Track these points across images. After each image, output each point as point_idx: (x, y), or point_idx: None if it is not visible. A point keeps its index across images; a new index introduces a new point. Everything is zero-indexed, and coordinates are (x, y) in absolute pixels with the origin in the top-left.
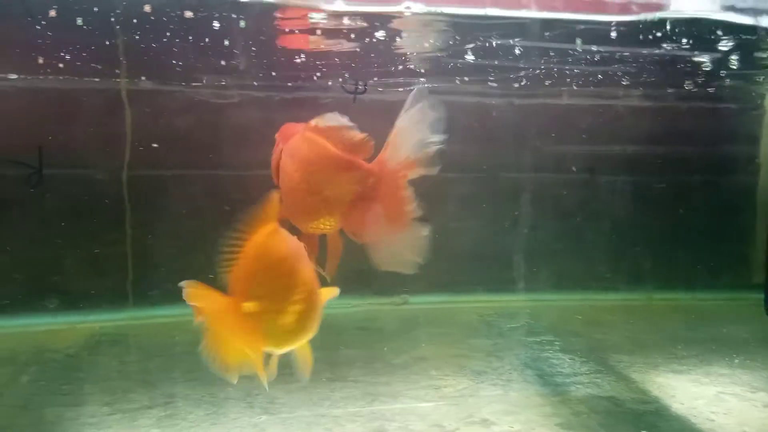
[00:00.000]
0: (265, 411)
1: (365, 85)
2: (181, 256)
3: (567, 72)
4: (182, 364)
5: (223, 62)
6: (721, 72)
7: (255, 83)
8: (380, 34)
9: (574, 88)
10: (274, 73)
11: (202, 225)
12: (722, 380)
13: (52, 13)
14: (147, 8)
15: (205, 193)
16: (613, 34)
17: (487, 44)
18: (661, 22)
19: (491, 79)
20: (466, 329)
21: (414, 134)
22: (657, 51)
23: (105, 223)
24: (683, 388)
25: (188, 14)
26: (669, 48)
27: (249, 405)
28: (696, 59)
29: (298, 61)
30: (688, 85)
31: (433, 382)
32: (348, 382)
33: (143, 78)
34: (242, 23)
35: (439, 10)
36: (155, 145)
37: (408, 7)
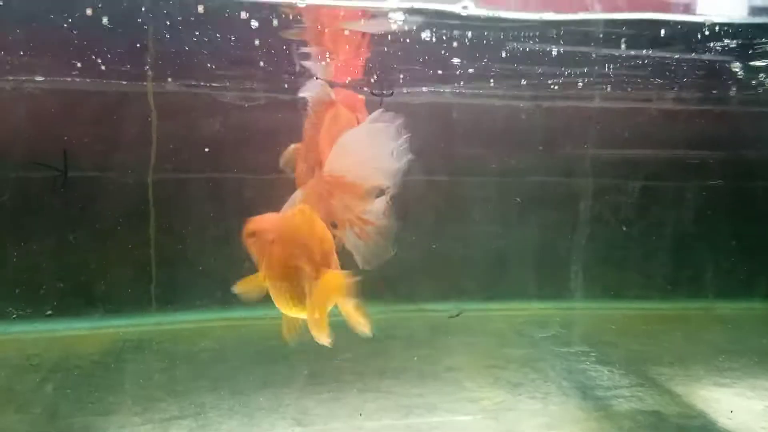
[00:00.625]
0: (297, 423)
1: (391, 90)
2: (206, 259)
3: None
4: (209, 372)
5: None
6: None
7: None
8: (426, 35)
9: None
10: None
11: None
12: None
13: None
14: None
15: (232, 196)
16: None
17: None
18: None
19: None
20: (496, 338)
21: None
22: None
23: (129, 227)
24: (729, 402)
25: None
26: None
27: (281, 416)
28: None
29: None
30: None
31: (468, 394)
32: (380, 393)
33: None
34: (275, 22)
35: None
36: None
37: (465, 7)
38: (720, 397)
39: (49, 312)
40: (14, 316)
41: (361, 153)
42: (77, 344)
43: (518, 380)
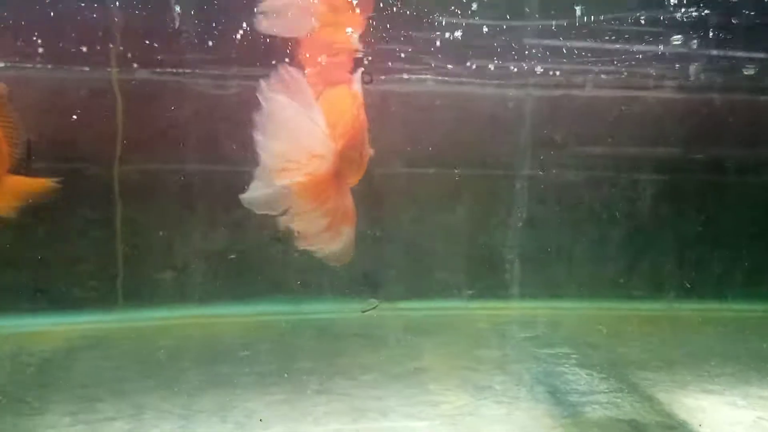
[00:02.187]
0: (239, 426)
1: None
2: (173, 253)
3: None
4: (161, 372)
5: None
6: None
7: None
8: None
9: None
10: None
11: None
12: (763, 403)
13: None
14: None
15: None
16: None
17: None
18: None
19: None
20: (475, 338)
21: None
22: None
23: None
24: (716, 412)
25: None
26: None
27: (222, 419)
28: None
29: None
30: None
31: (430, 398)
32: (335, 395)
33: None
34: None
35: None
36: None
37: None
38: (706, 406)
39: (4, 308)
40: None
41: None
42: (31, 341)
43: (487, 383)
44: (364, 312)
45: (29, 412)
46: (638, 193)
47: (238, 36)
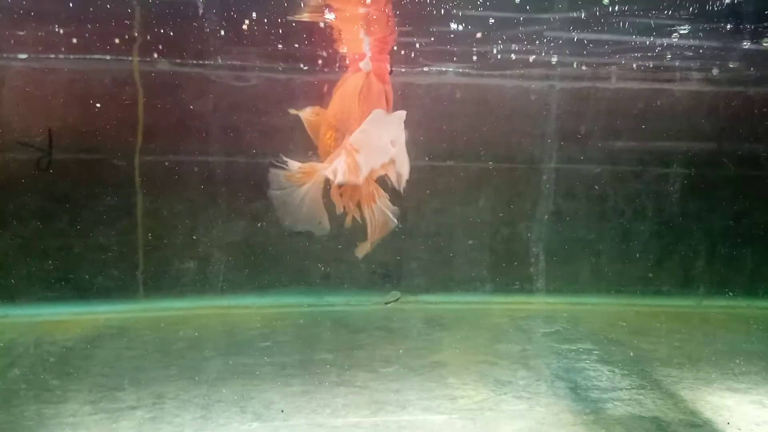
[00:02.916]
0: (257, 417)
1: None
2: (193, 244)
3: None
4: (181, 361)
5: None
6: None
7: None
8: None
9: None
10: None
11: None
12: None
13: None
14: None
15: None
16: None
17: None
18: None
19: None
20: (494, 333)
21: None
22: None
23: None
24: (741, 411)
25: None
26: None
27: (241, 409)
28: None
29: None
30: None
31: (448, 392)
32: (354, 388)
33: None
34: None
35: None
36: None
37: None
38: (731, 405)
39: (28, 296)
40: None
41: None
42: (56, 330)
43: (507, 378)
44: (387, 304)
45: (52, 399)
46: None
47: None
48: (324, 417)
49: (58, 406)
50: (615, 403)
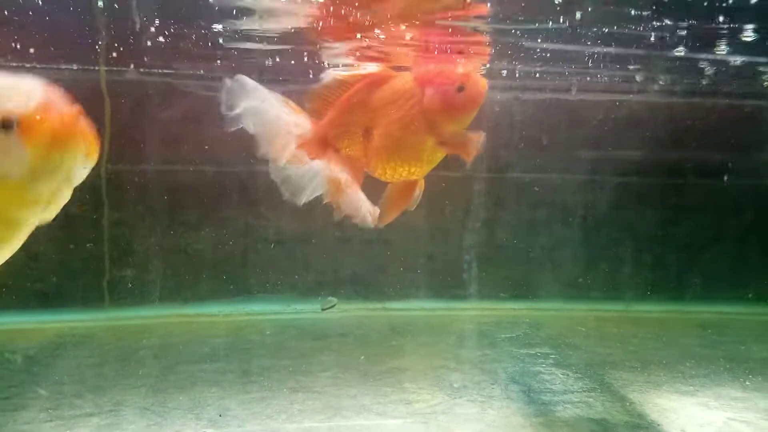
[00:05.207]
0: (212, 424)
1: None
2: (163, 254)
3: None
4: (142, 370)
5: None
6: None
7: None
8: None
9: None
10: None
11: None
12: (734, 405)
13: None
14: None
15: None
16: None
17: None
18: None
19: None
20: (456, 338)
21: None
22: None
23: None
24: (687, 412)
25: None
26: None
27: (196, 416)
28: None
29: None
30: None
31: (404, 396)
32: (312, 393)
33: None
34: None
35: None
36: None
37: None
38: (677, 407)
39: None
40: None
41: None
42: (19, 338)
43: (463, 382)
44: (323, 310)
45: (7, 408)
46: None
47: None
48: (279, 422)
49: (14, 413)
50: (565, 405)
